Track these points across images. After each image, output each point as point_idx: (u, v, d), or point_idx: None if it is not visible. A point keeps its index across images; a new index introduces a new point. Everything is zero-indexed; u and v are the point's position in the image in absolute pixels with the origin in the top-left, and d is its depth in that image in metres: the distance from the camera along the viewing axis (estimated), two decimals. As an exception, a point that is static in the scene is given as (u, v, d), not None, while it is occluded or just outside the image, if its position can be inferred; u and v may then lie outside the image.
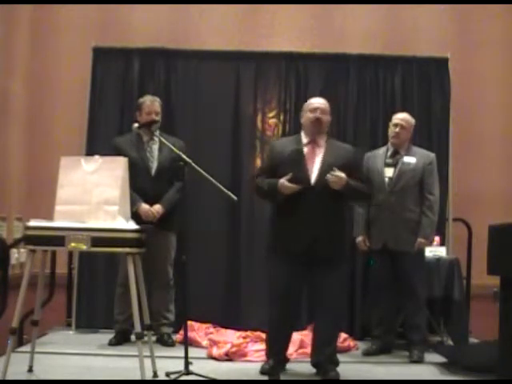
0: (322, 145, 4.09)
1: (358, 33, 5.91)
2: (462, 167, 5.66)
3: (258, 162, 5.41)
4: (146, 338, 3.82)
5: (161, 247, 4.71)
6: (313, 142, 4.09)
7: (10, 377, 3.60)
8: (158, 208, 4.67)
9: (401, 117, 4.77)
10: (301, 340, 4.53)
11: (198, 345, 4.72)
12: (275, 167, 4.04)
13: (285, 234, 3.99)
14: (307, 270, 3.99)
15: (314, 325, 4.20)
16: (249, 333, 4.75)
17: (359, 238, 4.77)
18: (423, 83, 5.52)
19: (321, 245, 3.92)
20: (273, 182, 3.96)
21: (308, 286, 4.11)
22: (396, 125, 4.73)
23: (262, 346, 4.29)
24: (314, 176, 3.96)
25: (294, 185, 3.87)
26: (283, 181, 3.89)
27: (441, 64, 5.52)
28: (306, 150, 4.07)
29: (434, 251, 5.03)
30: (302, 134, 4.16)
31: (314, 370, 4.09)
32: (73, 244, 3.59)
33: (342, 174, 3.91)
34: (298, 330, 4.46)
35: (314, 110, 4.10)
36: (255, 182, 4.14)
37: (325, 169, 3.95)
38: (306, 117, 4.13)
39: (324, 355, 4.02)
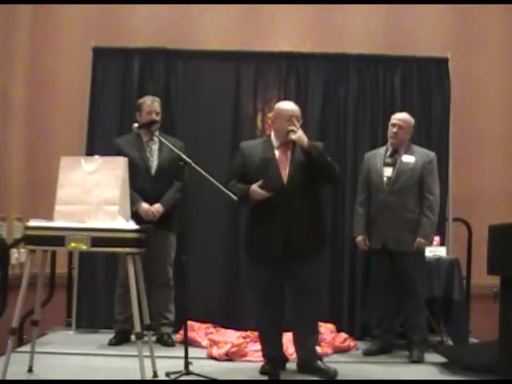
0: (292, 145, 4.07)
1: (358, 33, 5.90)
2: (462, 167, 5.66)
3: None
4: (146, 338, 3.82)
5: (161, 247, 4.71)
6: (284, 145, 4.07)
7: (9, 377, 3.60)
8: (157, 207, 4.67)
9: (399, 117, 4.77)
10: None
11: (198, 345, 4.72)
12: (245, 170, 4.05)
13: (259, 236, 4.01)
14: (284, 268, 4.01)
15: (293, 319, 4.12)
16: (249, 333, 4.74)
17: (359, 238, 4.77)
18: (423, 83, 5.51)
19: (295, 244, 3.94)
20: (244, 187, 3.97)
21: (287, 283, 4.09)
22: (394, 125, 4.72)
23: (262, 346, 4.30)
24: (285, 178, 3.98)
25: (264, 192, 3.89)
26: (255, 187, 3.91)
27: (441, 64, 5.51)
28: (277, 153, 4.06)
29: (434, 251, 5.04)
30: (273, 137, 4.12)
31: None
32: (73, 244, 3.59)
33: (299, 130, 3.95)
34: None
35: (289, 119, 4.02)
36: (227, 186, 4.08)
37: (295, 168, 3.98)
38: (281, 126, 4.03)
39: (306, 349, 4.04)
